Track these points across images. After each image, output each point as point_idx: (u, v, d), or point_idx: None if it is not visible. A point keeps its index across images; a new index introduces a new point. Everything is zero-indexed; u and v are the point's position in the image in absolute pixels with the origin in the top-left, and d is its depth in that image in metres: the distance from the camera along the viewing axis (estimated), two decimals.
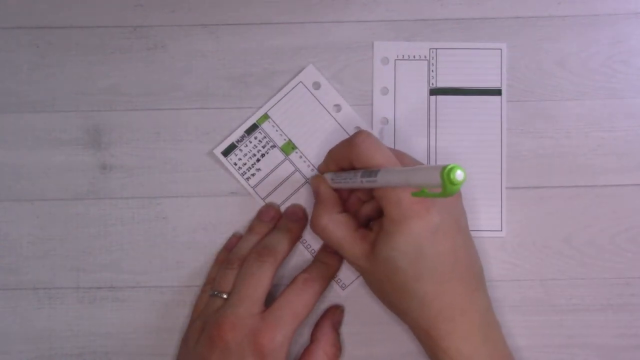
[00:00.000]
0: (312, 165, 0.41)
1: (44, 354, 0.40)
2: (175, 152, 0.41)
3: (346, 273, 0.40)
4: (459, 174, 0.27)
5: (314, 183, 0.38)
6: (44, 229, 0.40)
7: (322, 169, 0.39)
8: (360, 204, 0.38)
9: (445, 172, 0.27)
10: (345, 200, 0.38)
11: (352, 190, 0.38)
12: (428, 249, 0.33)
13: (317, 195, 0.38)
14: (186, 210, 0.40)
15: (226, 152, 0.40)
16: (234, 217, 0.40)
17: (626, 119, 0.41)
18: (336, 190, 0.38)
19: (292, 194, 0.41)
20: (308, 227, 0.40)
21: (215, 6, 0.41)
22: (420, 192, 0.30)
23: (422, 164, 0.39)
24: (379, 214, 0.36)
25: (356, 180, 0.34)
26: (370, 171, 0.34)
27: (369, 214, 0.37)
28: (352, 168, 0.36)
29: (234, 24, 0.41)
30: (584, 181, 0.40)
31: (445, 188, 0.28)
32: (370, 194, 0.37)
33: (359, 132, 0.35)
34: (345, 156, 0.36)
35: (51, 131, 0.41)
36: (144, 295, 0.40)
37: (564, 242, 0.40)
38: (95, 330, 0.40)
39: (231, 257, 0.38)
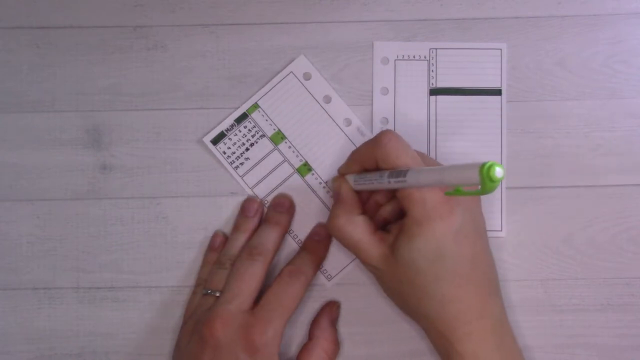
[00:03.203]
0: (301, 155, 0.40)
1: (44, 354, 0.40)
2: (175, 152, 0.41)
3: (332, 264, 0.40)
4: (498, 171, 0.27)
5: (336, 184, 0.38)
6: (44, 229, 0.40)
7: (344, 170, 0.38)
8: (378, 207, 0.37)
9: (485, 169, 0.27)
10: (363, 203, 0.38)
11: (370, 194, 0.38)
12: (449, 251, 0.33)
13: (337, 195, 0.37)
14: (186, 210, 0.40)
15: (215, 141, 0.40)
16: (234, 217, 0.40)
17: (626, 119, 0.41)
18: (356, 192, 0.37)
19: (280, 184, 0.40)
20: (295, 217, 0.40)
21: (215, 6, 0.41)
22: (455, 191, 0.29)
23: (441, 164, 0.39)
24: (397, 217, 0.36)
25: (383, 181, 0.34)
26: (399, 171, 0.33)
27: (387, 217, 0.37)
28: (377, 169, 0.35)
29: (234, 24, 0.41)
30: (584, 181, 0.40)
31: (484, 185, 0.27)
32: (389, 197, 0.37)
33: (385, 132, 0.35)
34: (371, 156, 0.35)
35: (51, 131, 0.41)
36: (144, 295, 0.40)
37: (564, 242, 0.40)
38: (95, 330, 0.40)
39: (222, 257, 0.38)
